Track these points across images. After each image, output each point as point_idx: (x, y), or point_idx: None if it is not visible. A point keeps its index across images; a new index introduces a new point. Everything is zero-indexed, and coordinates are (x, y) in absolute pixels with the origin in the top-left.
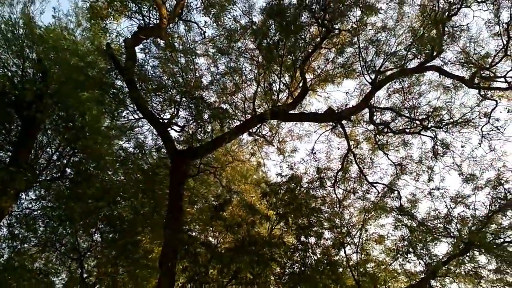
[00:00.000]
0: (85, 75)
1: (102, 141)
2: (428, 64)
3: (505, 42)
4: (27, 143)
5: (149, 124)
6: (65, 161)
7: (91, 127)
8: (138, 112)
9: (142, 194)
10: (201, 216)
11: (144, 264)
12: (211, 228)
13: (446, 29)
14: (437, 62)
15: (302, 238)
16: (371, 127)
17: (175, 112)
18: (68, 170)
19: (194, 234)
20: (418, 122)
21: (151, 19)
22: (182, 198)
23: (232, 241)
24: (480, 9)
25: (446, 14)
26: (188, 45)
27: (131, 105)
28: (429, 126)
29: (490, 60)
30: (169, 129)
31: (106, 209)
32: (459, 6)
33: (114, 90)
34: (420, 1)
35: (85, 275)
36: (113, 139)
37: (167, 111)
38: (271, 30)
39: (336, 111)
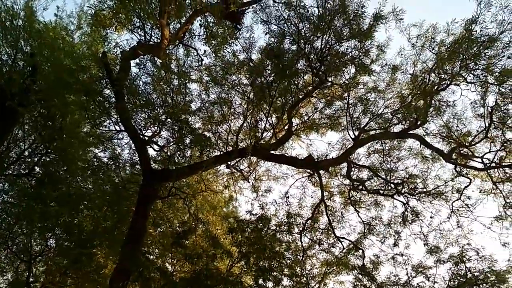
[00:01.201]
0: (75, 78)
1: (78, 146)
2: (410, 132)
3: (487, 125)
4: (1, 135)
5: (128, 138)
6: (36, 159)
7: (69, 130)
8: (120, 124)
9: (107, 207)
10: (162, 240)
11: (94, 279)
12: (170, 255)
13: (433, 101)
14: (419, 131)
15: (260, 281)
16: (347, 181)
17: (158, 131)
18: (37, 169)
19: (151, 257)
20: (392, 186)
21: (153, 37)
22: (146, 219)
23: (189, 271)
24: (468, 89)
25: (435, 87)
26: (183, 69)
27: (115, 116)
28: (402, 191)
29: (470, 139)
30: (148, 146)
31: (67, 216)
32: (448, 83)
33: (101, 98)
34: (413, 71)
35: (31, 280)
36: (90, 146)
37: (149, 128)
38: (267, 70)
39: (316, 160)
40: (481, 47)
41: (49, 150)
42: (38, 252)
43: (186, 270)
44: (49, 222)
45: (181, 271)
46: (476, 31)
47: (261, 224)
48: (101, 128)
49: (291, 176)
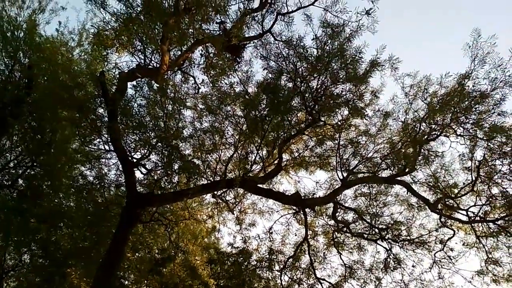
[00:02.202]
0: (69, 94)
1: (65, 162)
2: (398, 178)
3: (473, 178)
4: None
5: (117, 158)
6: (20, 171)
7: (58, 145)
8: (110, 144)
9: (87, 227)
10: (139, 265)
11: None
12: (145, 282)
13: (422, 150)
14: (407, 178)
15: None
16: (332, 222)
17: (147, 154)
18: (21, 182)
19: (126, 283)
20: (377, 230)
21: (152, 61)
22: (126, 242)
23: None
24: (457, 141)
25: (425, 137)
26: (179, 95)
27: (106, 135)
28: (386, 237)
29: (456, 190)
30: (135, 169)
31: (45, 232)
32: (438, 133)
33: (94, 116)
34: (404, 119)
35: None
36: (77, 163)
37: (139, 151)
38: (262, 104)
39: (303, 197)
40: (473, 102)
41: (35, 164)
42: (11, 267)
43: None
44: (26, 237)
45: None
46: (468, 86)
47: (241, 258)
48: (90, 146)
49: (277, 211)
